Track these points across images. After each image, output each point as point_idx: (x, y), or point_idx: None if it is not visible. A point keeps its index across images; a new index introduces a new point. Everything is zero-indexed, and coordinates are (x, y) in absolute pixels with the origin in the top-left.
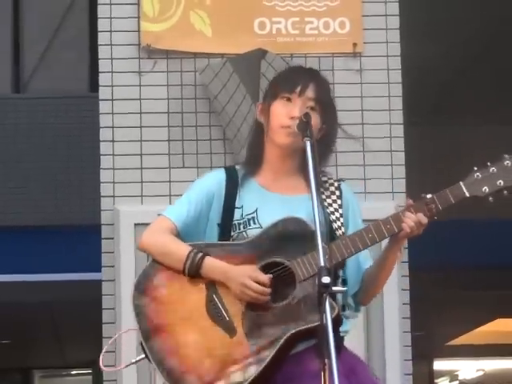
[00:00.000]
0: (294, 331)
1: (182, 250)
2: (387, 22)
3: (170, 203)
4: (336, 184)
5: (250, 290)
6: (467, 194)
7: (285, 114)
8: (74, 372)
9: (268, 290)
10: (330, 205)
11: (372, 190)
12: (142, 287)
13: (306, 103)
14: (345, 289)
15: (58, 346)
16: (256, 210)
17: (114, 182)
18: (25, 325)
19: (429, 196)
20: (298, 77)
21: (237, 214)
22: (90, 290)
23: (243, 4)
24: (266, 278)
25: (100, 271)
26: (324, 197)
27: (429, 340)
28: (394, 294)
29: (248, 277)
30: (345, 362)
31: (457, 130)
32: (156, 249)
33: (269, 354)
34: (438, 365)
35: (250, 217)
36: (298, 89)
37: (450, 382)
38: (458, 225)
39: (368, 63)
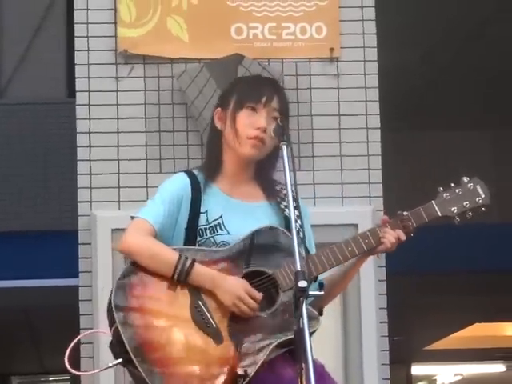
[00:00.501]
0: (280, 341)
1: (169, 254)
2: (364, 27)
3: None
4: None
5: (243, 304)
6: (439, 214)
7: (250, 124)
8: (52, 378)
9: (257, 306)
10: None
11: (349, 194)
12: (121, 293)
13: (270, 113)
14: (322, 293)
15: (36, 352)
16: (221, 216)
17: (91, 188)
18: (2, 331)
19: (404, 213)
20: (262, 87)
21: (202, 219)
22: (68, 296)
23: (220, 9)
24: (258, 294)
25: (77, 277)
26: (283, 206)
27: (407, 344)
28: (371, 299)
29: (244, 290)
30: (314, 369)
31: (433, 135)
32: (141, 251)
33: (256, 363)
34: (416, 369)
35: (216, 223)
36: (264, 99)
37: None
38: (435, 230)
39: (345, 68)
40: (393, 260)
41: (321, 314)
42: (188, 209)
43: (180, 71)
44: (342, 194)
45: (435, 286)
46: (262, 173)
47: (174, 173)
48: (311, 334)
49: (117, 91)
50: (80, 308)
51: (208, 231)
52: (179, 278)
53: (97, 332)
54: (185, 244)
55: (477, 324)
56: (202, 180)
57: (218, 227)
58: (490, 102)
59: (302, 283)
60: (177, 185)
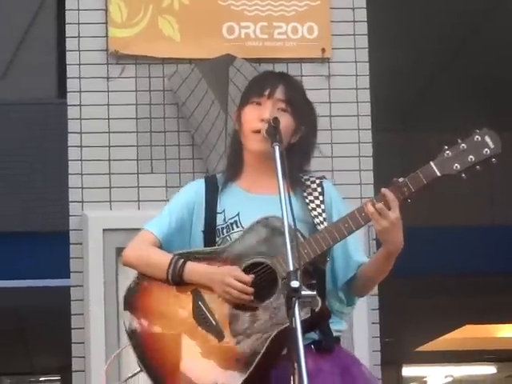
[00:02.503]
0: (280, 329)
1: (163, 259)
2: (355, 28)
3: (139, 209)
4: (318, 181)
5: (232, 289)
6: (438, 174)
7: (255, 117)
8: (42, 379)
9: (250, 289)
10: (312, 201)
11: (341, 195)
12: (130, 304)
13: (276, 105)
14: (314, 293)
15: (27, 353)
16: (238, 214)
17: (82, 188)
18: None
19: (401, 179)
20: (266, 80)
21: (219, 219)
22: (58, 296)
23: (212, 9)
24: (247, 277)
25: (68, 277)
26: (305, 194)
27: (398, 346)
28: (362, 300)
29: (231, 276)
30: (339, 362)
31: (425, 137)
32: (140, 262)
33: (258, 354)
34: (407, 371)
35: (232, 221)
36: (267, 91)
37: None
38: (427, 232)
39: (336, 69)
40: None
41: (352, 304)
42: (203, 213)
43: (171, 72)
44: None
45: (426, 287)
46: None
47: (165, 173)
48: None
49: (108, 91)
50: (71, 308)
51: (225, 230)
52: (174, 280)
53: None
54: (205, 246)
55: (467, 325)
56: (221, 181)
57: (234, 225)
58: (486, 104)
59: (295, 283)
60: (188, 192)
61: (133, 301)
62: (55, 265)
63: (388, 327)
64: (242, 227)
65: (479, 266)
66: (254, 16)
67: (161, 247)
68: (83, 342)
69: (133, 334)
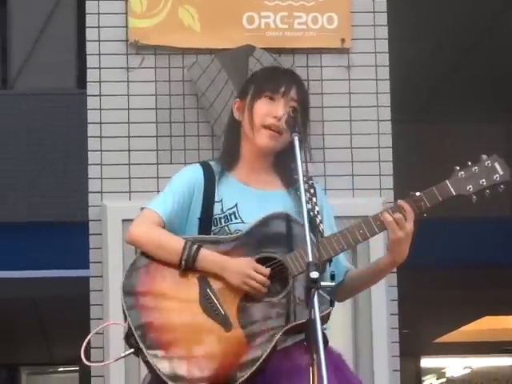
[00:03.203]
0: (289, 326)
1: (175, 242)
2: (375, 19)
3: None
4: (310, 183)
5: (252, 281)
6: (453, 193)
7: (268, 112)
8: (61, 369)
9: (268, 282)
10: (307, 202)
11: (360, 186)
12: (131, 284)
13: (288, 103)
14: (333, 284)
15: (45, 343)
16: (236, 205)
17: (101, 178)
18: (11, 322)
19: (417, 194)
20: (281, 77)
21: (216, 209)
22: (78, 287)
23: None
24: (266, 269)
25: (87, 268)
26: (299, 193)
27: (416, 337)
28: (381, 291)
29: (250, 267)
30: (331, 359)
31: (444, 127)
32: (147, 242)
33: (266, 349)
34: (426, 362)
35: (230, 211)
36: (282, 89)
37: (437, 379)
38: (446, 223)
39: (356, 60)
40: None
41: (332, 304)
42: (201, 199)
43: (191, 62)
44: (352, 186)
45: (445, 279)
46: (281, 162)
47: (185, 164)
48: (321, 318)
49: (128, 82)
50: (91, 298)
51: (223, 220)
52: (186, 264)
53: (113, 324)
54: (199, 233)
55: (486, 317)
56: (217, 170)
57: (232, 216)
58: (505, 96)
59: (314, 274)
60: (188, 176)
61: (135, 281)
62: (74, 255)
63: (407, 319)
64: (241, 219)
65: (498, 258)
66: (275, 6)
67: (164, 228)
68: (102, 333)
69: (133, 315)
